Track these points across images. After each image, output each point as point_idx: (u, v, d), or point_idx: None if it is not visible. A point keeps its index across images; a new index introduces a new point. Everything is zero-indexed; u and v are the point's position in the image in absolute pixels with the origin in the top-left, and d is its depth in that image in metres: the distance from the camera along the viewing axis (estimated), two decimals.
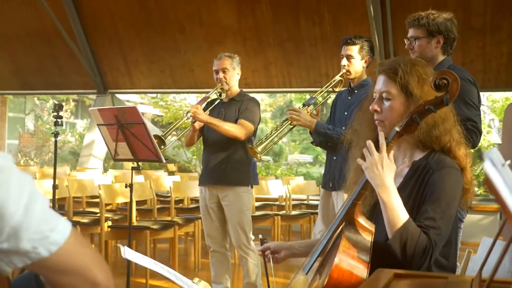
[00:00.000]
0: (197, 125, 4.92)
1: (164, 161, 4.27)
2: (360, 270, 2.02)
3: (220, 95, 5.06)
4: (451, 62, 3.81)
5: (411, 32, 3.79)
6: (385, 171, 2.12)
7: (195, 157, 14.97)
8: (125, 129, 4.09)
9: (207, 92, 5.09)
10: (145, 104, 19.09)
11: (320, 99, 4.86)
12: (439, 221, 2.13)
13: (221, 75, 5.02)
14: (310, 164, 19.08)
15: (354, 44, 4.51)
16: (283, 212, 8.18)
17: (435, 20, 3.69)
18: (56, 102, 6.30)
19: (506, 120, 3.92)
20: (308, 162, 19.39)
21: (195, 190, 7.62)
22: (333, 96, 4.96)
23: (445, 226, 2.15)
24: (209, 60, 10.93)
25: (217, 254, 5.12)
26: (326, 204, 4.67)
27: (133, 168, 4.36)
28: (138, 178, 8.34)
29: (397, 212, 2.09)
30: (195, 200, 8.89)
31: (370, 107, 2.39)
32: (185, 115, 4.90)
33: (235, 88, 5.12)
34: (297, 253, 2.80)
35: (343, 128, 4.38)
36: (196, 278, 2.56)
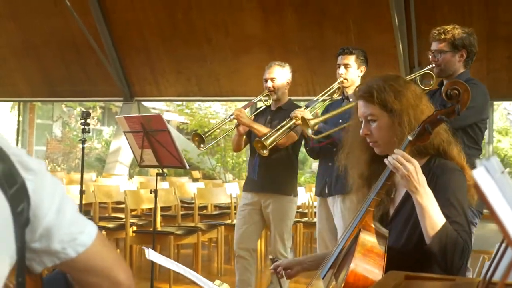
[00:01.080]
0: (242, 129, 4.98)
1: (187, 167, 4.38)
2: (376, 274, 2.08)
3: (267, 102, 5.12)
4: (469, 75, 3.88)
5: (435, 46, 3.85)
6: (421, 178, 2.17)
7: (219, 164, 15.10)
8: (151, 136, 4.20)
9: (232, 101, 5.19)
10: (171, 111, 19.26)
11: (321, 103, 4.92)
12: (463, 222, 2.21)
13: (269, 83, 5.10)
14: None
15: (351, 53, 4.65)
16: (306, 219, 8.22)
17: (460, 35, 3.76)
18: (84, 110, 6.42)
19: None
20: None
21: (219, 196, 7.72)
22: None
23: (468, 225, 2.24)
24: (234, 69, 11.11)
25: (242, 260, 5.18)
26: (325, 213, 4.74)
27: (157, 175, 4.47)
28: (163, 185, 8.45)
29: (435, 217, 2.14)
30: (218, 206, 9.00)
31: (361, 132, 2.47)
32: (228, 117, 4.99)
33: (283, 97, 5.17)
34: (308, 267, 2.91)
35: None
36: (217, 281, 2.63)
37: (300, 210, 8.97)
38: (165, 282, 6.14)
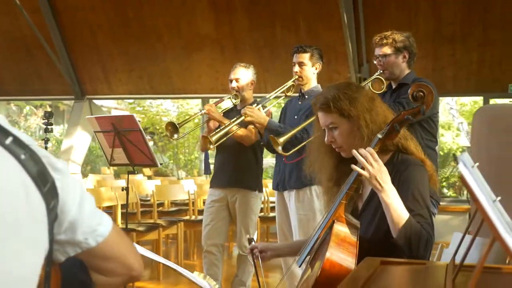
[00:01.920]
0: (212, 124, 5.12)
1: (159, 165, 4.50)
2: (349, 262, 2.24)
3: (234, 100, 5.27)
4: (415, 75, 4.21)
5: (378, 51, 4.15)
6: (384, 177, 2.35)
7: (171, 161, 15.15)
8: (122, 136, 4.31)
9: (184, 98, 5.32)
10: (122, 109, 19.19)
11: (273, 100, 5.13)
12: (426, 215, 2.40)
13: (234, 84, 5.25)
14: None
15: (305, 52, 4.80)
16: (261, 214, 8.34)
17: (400, 38, 4.09)
18: (47, 110, 6.45)
19: (474, 125, 4.22)
20: None
21: (176, 193, 7.84)
22: (282, 101, 5.33)
23: (431, 217, 2.44)
24: (186, 67, 11.20)
25: (209, 255, 5.32)
26: (283, 206, 4.91)
27: (129, 173, 4.58)
28: (120, 183, 8.51)
29: (399, 212, 2.32)
30: (175, 203, 9.11)
31: (326, 140, 2.65)
32: (199, 111, 5.11)
33: (249, 96, 5.34)
34: (282, 254, 3.10)
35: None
36: (196, 272, 2.79)
37: None
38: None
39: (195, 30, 10.70)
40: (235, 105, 5.36)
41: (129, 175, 4.58)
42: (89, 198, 1.35)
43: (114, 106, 18.84)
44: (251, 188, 5.26)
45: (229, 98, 5.29)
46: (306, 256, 2.53)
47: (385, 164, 2.47)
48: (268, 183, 9.62)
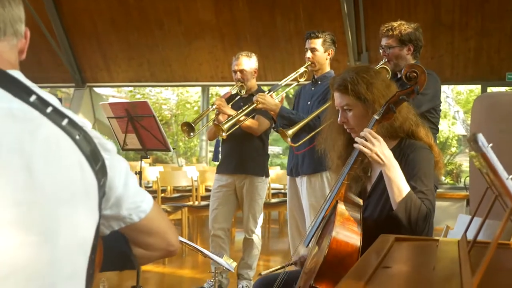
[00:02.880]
0: (222, 117, 5.17)
1: (171, 150, 4.59)
2: (355, 239, 2.34)
3: (240, 91, 5.35)
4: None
5: (384, 41, 4.21)
6: (387, 153, 2.47)
7: (174, 148, 15.21)
8: (135, 122, 4.40)
9: (184, 86, 5.37)
10: (121, 97, 19.21)
11: (285, 87, 5.17)
12: (427, 192, 2.51)
13: (238, 75, 5.33)
14: (282, 155, 19.42)
15: (317, 37, 4.82)
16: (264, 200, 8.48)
17: (406, 31, 4.13)
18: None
19: (473, 113, 4.32)
20: (279, 153, 19.72)
21: (179, 180, 7.95)
22: (295, 87, 5.37)
23: (432, 197, 2.55)
24: (187, 55, 11.26)
25: (217, 239, 5.42)
26: (295, 191, 4.98)
27: (142, 157, 4.68)
28: None
29: (401, 186, 2.43)
30: (177, 190, 9.22)
31: (338, 121, 2.76)
32: (210, 107, 5.19)
33: (252, 84, 5.42)
34: None
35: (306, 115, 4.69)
36: (225, 256, 2.89)
37: None
38: None
39: (195, 18, 10.75)
40: (240, 95, 5.44)
41: (142, 160, 4.67)
42: (133, 177, 1.45)
43: (112, 94, 18.87)
44: (259, 174, 5.36)
45: (235, 88, 5.34)
46: (312, 236, 2.62)
47: (392, 149, 2.58)
48: (271, 170, 9.75)
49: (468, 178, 9.31)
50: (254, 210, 5.37)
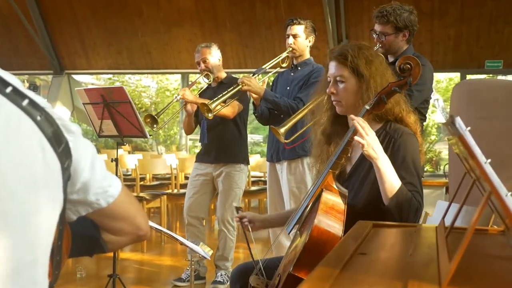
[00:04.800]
0: (190, 107, 5.14)
1: (148, 136, 4.54)
2: (337, 229, 2.32)
3: (208, 79, 5.33)
4: (413, 51, 4.12)
5: (379, 28, 4.03)
6: (378, 146, 2.42)
7: (151, 137, 15.14)
8: (111, 108, 4.34)
9: (164, 73, 5.34)
10: (101, 85, 19.10)
11: (264, 74, 5.12)
12: (416, 183, 2.49)
13: (202, 65, 5.31)
14: (263, 143, 19.42)
15: (299, 24, 4.84)
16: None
17: (402, 16, 3.95)
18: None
19: (452, 100, 4.29)
20: (259, 141, 19.72)
21: (158, 167, 7.91)
22: (274, 75, 5.31)
23: (420, 185, 2.52)
24: (166, 42, 11.19)
25: (192, 228, 5.38)
26: (275, 178, 4.97)
27: (118, 144, 4.62)
28: (101, 157, 8.51)
29: (392, 180, 2.39)
30: (156, 178, 9.17)
31: (327, 90, 2.70)
32: (174, 97, 5.16)
33: (221, 73, 5.39)
34: (270, 224, 3.16)
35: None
36: (201, 243, 2.85)
37: None
38: None
39: (175, 5, 10.69)
40: (209, 84, 5.40)
41: (118, 147, 4.61)
42: (100, 160, 1.40)
43: (91, 81, 18.74)
44: (236, 161, 5.31)
45: (201, 78, 5.35)
46: (295, 224, 2.59)
47: (377, 131, 2.55)
48: (251, 158, 9.72)
49: (447, 166, 9.36)
50: (231, 199, 5.29)
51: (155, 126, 4.99)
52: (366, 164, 2.54)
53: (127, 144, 14.04)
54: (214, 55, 5.36)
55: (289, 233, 2.66)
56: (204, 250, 3.03)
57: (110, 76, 15.70)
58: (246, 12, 10.41)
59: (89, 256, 1.57)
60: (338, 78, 2.66)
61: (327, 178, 2.52)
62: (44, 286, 1.26)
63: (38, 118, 1.22)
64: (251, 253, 2.86)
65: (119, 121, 4.39)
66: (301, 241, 2.44)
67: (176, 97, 5.18)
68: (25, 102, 1.21)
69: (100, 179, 1.38)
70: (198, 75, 5.44)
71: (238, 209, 3.15)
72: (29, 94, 1.24)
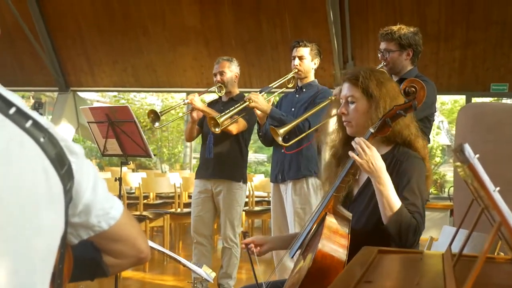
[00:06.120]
0: (196, 115, 5.14)
1: (153, 156, 4.53)
2: (341, 253, 2.29)
3: (219, 92, 5.33)
4: (417, 72, 4.14)
5: (383, 45, 4.10)
6: (379, 164, 2.42)
7: (155, 155, 15.15)
8: (116, 127, 4.34)
9: (169, 91, 5.34)
10: (106, 102, 19.15)
11: (270, 93, 5.13)
12: (419, 205, 2.46)
13: (218, 77, 5.32)
14: (267, 163, 19.41)
15: (305, 46, 4.87)
16: (247, 208, 8.45)
17: (406, 35, 4.02)
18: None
19: (458, 123, 4.27)
20: (263, 160, 19.71)
21: (162, 186, 7.88)
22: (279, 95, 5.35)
23: (423, 208, 2.50)
24: (171, 60, 11.21)
25: (200, 246, 5.37)
26: (279, 199, 4.94)
27: (122, 163, 4.61)
28: (105, 175, 8.51)
29: (392, 200, 2.38)
30: (159, 196, 9.15)
31: (338, 111, 2.73)
32: (182, 101, 5.15)
33: (234, 89, 5.41)
34: (276, 246, 3.14)
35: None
36: (204, 266, 2.83)
37: None
38: None
39: (180, 23, 10.71)
40: (220, 98, 5.41)
41: (122, 166, 4.60)
42: (101, 182, 1.38)
43: (97, 98, 18.79)
44: (235, 179, 5.29)
45: (213, 91, 5.35)
46: (298, 248, 2.57)
47: (385, 154, 2.57)
48: (252, 177, 9.70)
49: (452, 188, 9.33)
50: (232, 217, 5.29)
51: (156, 123, 4.96)
52: (372, 187, 2.51)
53: (130, 163, 14.05)
54: (233, 70, 5.38)
55: (291, 257, 2.64)
56: (207, 273, 3.01)
57: (115, 93, 15.73)
58: (251, 30, 10.42)
59: (90, 280, 1.55)
60: (349, 99, 2.68)
61: (331, 202, 2.51)
62: None
63: (42, 139, 1.21)
64: (255, 275, 2.84)
65: (123, 140, 4.39)
66: (304, 264, 2.42)
67: (184, 101, 5.17)
68: (28, 124, 1.20)
69: (102, 201, 1.36)
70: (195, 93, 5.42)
71: (245, 234, 3.13)
72: (32, 115, 1.22)
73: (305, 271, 2.25)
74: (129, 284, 6.19)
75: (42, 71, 11.86)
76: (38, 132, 1.21)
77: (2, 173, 1.13)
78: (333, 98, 4.17)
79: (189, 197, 9.04)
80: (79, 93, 12.64)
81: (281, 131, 4.39)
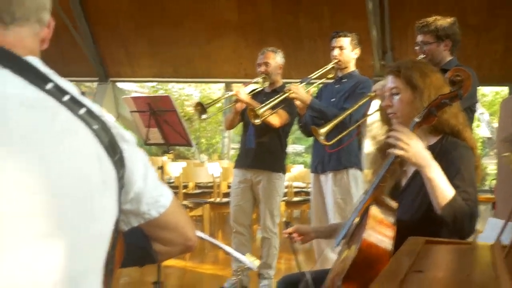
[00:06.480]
0: (239, 106, 5.18)
1: (193, 145, 4.57)
2: (386, 243, 2.28)
3: (264, 83, 5.33)
4: (457, 62, 4.08)
5: (420, 38, 4.04)
6: (426, 153, 2.39)
7: (196, 145, 15.25)
8: (157, 116, 4.39)
9: (207, 82, 5.37)
10: (144, 93, 19.30)
11: (308, 85, 5.07)
12: (471, 192, 2.42)
13: (263, 68, 5.32)
14: (305, 153, 19.38)
15: (345, 36, 4.86)
16: (286, 198, 8.48)
17: (443, 25, 3.96)
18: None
19: (500, 114, 4.22)
20: (301, 151, 19.68)
21: (201, 176, 7.94)
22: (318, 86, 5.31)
23: (475, 196, 2.45)
24: (210, 52, 11.24)
25: (239, 236, 5.40)
26: (319, 189, 4.94)
27: (164, 152, 4.67)
28: None
29: (443, 187, 2.34)
30: (198, 186, 9.22)
31: (383, 104, 2.73)
32: (227, 92, 5.18)
33: (277, 81, 5.42)
34: (320, 235, 3.14)
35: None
36: (248, 254, 2.85)
37: None
38: None
39: (218, 15, 10.73)
40: (263, 89, 5.41)
41: (163, 155, 4.66)
42: (152, 170, 1.41)
43: (135, 89, 18.96)
44: (275, 169, 5.31)
45: (256, 82, 5.33)
46: (342, 238, 2.57)
47: (433, 145, 2.55)
48: (291, 168, 9.71)
49: (493, 181, 9.20)
50: (272, 207, 5.30)
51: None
52: (420, 178, 2.48)
53: (171, 152, 14.12)
54: (278, 61, 5.38)
55: (336, 246, 2.64)
56: (250, 260, 3.03)
57: (153, 84, 15.84)
58: (289, 23, 10.39)
59: (139, 266, 1.58)
60: (393, 91, 2.67)
61: (376, 192, 2.50)
62: None
63: (95, 127, 1.24)
64: (298, 264, 2.85)
65: (165, 129, 4.43)
66: (349, 254, 2.41)
67: (229, 93, 5.19)
68: (82, 111, 1.23)
69: (152, 189, 1.39)
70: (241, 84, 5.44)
71: (287, 223, 3.13)
72: (86, 102, 1.25)
73: (350, 261, 2.24)
74: (170, 272, 6.25)
75: (82, 62, 11.98)
76: (91, 120, 1.24)
77: (58, 160, 1.16)
78: (373, 94, 4.15)
79: (228, 187, 9.10)
80: (118, 83, 12.77)
81: (322, 130, 4.36)
